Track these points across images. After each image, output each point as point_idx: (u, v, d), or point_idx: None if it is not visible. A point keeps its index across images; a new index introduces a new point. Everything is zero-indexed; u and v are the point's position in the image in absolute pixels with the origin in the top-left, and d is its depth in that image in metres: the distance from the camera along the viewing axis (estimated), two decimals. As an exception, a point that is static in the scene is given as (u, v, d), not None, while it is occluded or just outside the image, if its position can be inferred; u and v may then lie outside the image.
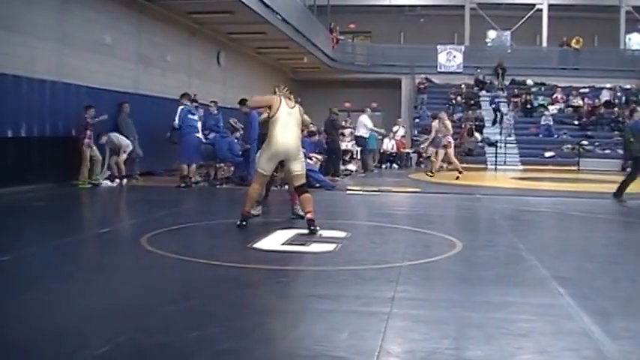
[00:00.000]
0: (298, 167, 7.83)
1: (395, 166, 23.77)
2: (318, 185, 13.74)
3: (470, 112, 28.45)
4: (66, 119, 13.23)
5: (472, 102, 29.27)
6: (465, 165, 24.95)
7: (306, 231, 7.66)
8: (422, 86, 30.61)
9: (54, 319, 4.24)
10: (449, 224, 9.26)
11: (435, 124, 18.21)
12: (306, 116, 8.19)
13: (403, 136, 25.45)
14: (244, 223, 7.85)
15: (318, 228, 7.56)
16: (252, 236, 7.35)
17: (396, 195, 13.76)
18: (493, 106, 28.48)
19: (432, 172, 17.92)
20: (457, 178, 17.28)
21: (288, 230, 7.78)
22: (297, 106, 8.07)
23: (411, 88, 31.00)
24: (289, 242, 7.13)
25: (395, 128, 25.07)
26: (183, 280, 5.58)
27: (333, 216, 9.69)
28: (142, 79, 16.64)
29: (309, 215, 7.62)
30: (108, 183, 13.59)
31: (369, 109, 20.97)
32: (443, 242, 7.36)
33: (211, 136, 15.00)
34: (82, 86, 13.68)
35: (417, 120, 29.05)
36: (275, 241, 7.17)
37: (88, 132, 13.12)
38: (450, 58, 31.26)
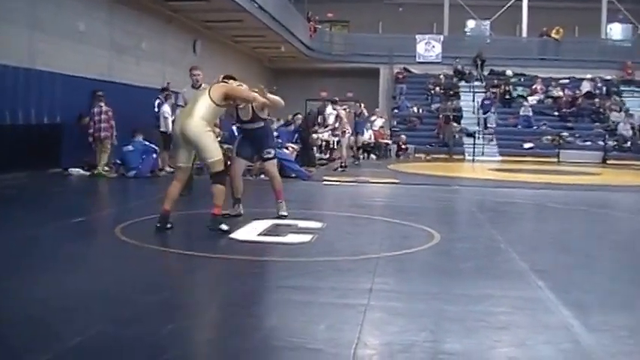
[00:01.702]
0: (207, 155, 6.94)
1: (373, 156, 23.81)
2: (293, 175, 13.73)
3: (449, 102, 28.55)
4: (40, 107, 13.14)
5: (451, 92, 29.37)
6: (441, 156, 25.18)
7: (282, 221, 7.65)
8: (400, 76, 30.67)
9: (24, 311, 4.18)
10: (427, 216, 9.28)
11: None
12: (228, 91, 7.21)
13: (382, 127, 25.51)
14: (168, 225, 6.97)
15: (224, 227, 6.86)
16: (229, 227, 7.32)
17: (373, 186, 13.77)
18: (480, 111, 28.23)
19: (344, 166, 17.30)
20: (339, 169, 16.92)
21: (264, 221, 7.74)
22: (215, 84, 7.28)
23: (389, 78, 31.03)
24: (265, 233, 7.11)
25: (372, 118, 25.10)
26: (156, 270, 5.55)
27: (309, 206, 9.69)
28: (116, 67, 16.51)
29: (214, 210, 6.91)
30: (80, 172, 13.50)
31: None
32: (421, 234, 7.36)
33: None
34: (56, 73, 13.57)
35: (395, 110, 29.13)
36: (251, 231, 7.14)
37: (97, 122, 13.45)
38: (428, 47, 31.32)
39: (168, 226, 7.05)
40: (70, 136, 13.80)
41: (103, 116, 13.66)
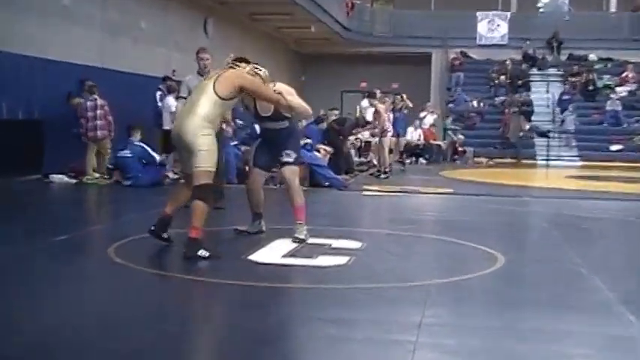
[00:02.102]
0: (195, 161, 6.82)
1: (422, 160, 23.79)
2: (326, 184, 13.75)
3: (516, 94, 28.41)
4: (14, 99, 13.28)
5: (520, 82, 29.21)
6: (506, 160, 25.05)
7: (312, 240, 7.68)
8: (457, 63, 30.63)
9: None
10: (488, 234, 9.25)
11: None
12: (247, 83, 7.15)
13: (433, 125, 25.45)
14: (164, 235, 7.19)
15: (203, 254, 6.63)
16: (247, 246, 7.37)
17: (423, 197, 13.77)
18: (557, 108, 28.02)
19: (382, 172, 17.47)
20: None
21: (289, 239, 7.76)
22: (223, 72, 7.19)
23: (443, 65, 31.03)
24: (292, 254, 7.14)
25: (422, 114, 25.06)
26: (160, 300, 5.60)
27: (346, 222, 9.71)
28: (109, 51, 16.66)
29: (192, 232, 6.70)
30: (64, 179, 13.65)
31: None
32: (481, 256, 7.35)
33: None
34: (34, 58, 13.71)
35: (450, 105, 29.07)
36: (275, 252, 7.17)
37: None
38: (492, 27, 31.24)
39: (165, 235, 7.16)
40: (52, 136, 13.93)
41: (98, 111, 13.80)
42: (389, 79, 28.42)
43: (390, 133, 17.80)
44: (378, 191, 13.90)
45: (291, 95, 7.69)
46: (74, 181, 13.71)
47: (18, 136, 13.05)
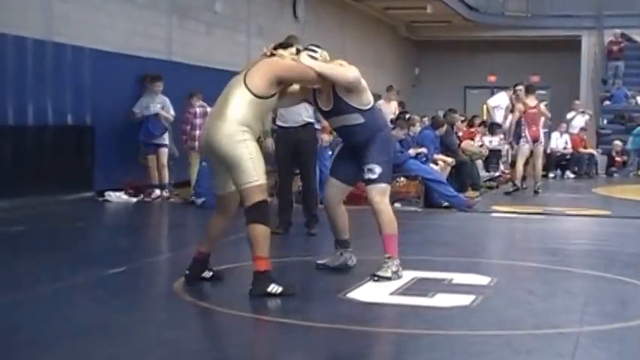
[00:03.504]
0: (240, 177, 6.76)
1: (570, 174, 23.50)
2: (446, 204, 13.67)
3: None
4: (59, 101, 13.54)
5: None
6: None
7: (429, 274, 7.62)
8: (615, 48, 30.12)
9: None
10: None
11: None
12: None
13: (584, 129, 25.10)
14: (206, 274, 7.23)
15: (275, 290, 6.61)
16: (344, 281, 7.40)
17: (570, 220, 13.60)
18: None
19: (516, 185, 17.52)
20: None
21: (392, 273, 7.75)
22: (256, 63, 7.15)
23: (596, 52, 30.66)
24: (402, 291, 7.11)
25: (570, 115, 24.74)
26: (247, 349, 5.63)
27: (471, 252, 9.63)
28: (177, 40, 16.90)
29: (258, 264, 6.69)
30: (123, 197, 13.92)
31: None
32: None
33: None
34: (85, 49, 14.00)
35: (607, 102, 28.63)
36: (381, 288, 7.16)
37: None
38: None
39: (207, 275, 7.18)
40: (107, 145, 14.27)
41: (198, 121, 14.44)
42: (525, 71, 28.14)
43: (524, 140, 17.56)
44: (513, 212, 13.77)
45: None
46: (134, 199, 13.96)
47: (65, 145, 13.30)
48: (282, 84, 7.07)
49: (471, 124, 21.13)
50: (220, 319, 6.29)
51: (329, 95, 7.50)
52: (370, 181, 7.57)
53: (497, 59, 30.75)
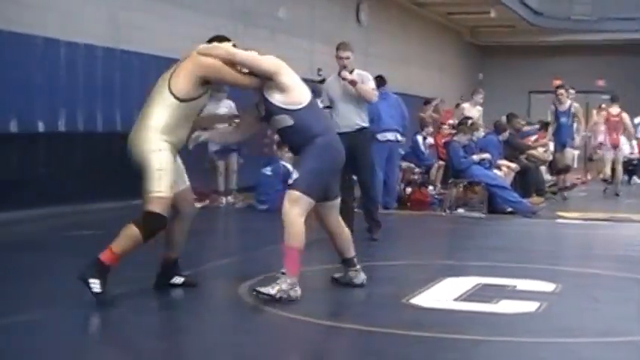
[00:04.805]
0: (147, 185, 6.64)
1: (637, 179, 23.31)
2: (510, 209, 13.61)
3: None
4: (125, 107, 13.67)
5: None
6: None
7: (492, 280, 7.61)
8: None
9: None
10: None
11: None
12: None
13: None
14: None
15: (94, 288, 6.40)
16: (407, 287, 7.41)
17: (637, 226, 13.43)
18: None
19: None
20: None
21: (462, 278, 7.75)
22: (180, 63, 7.02)
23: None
24: (465, 297, 7.13)
25: (638, 120, 24.49)
26: (305, 353, 5.71)
27: (535, 258, 9.58)
28: (242, 46, 16.94)
29: (103, 254, 6.62)
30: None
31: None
32: None
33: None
34: (150, 56, 14.10)
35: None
36: (444, 294, 7.20)
37: None
38: None
39: (178, 281, 7.19)
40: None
41: None
42: (591, 76, 27.90)
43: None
44: (578, 219, 13.67)
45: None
46: (199, 204, 14.06)
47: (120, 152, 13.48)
48: (208, 84, 6.86)
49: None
50: (284, 324, 6.30)
51: (261, 98, 7.23)
52: (288, 186, 7.38)
53: (561, 64, 30.45)
